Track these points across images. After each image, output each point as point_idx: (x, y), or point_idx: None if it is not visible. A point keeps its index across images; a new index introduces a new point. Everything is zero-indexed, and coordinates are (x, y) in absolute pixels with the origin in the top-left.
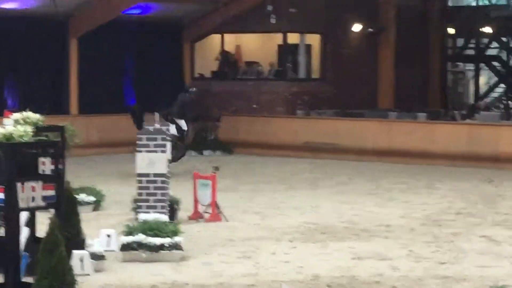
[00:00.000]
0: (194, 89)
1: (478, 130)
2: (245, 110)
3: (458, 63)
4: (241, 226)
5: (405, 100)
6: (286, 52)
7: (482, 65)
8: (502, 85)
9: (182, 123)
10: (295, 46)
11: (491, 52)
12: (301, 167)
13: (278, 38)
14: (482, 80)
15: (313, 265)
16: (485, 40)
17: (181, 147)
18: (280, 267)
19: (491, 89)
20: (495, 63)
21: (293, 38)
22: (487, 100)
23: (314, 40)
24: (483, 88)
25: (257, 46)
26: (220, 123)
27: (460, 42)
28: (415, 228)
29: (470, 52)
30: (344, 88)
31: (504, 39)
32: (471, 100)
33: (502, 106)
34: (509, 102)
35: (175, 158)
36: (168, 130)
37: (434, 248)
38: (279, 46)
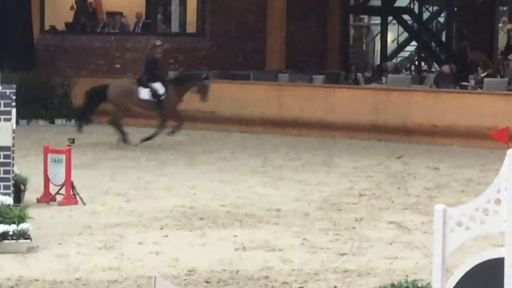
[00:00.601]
0: (159, 42)
1: (386, 97)
2: (107, 70)
3: (362, 16)
4: (102, 210)
5: (299, 59)
6: (156, 0)
7: (390, 18)
8: (414, 43)
9: (157, 86)
10: None
11: (400, 3)
12: (174, 139)
13: None
14: (391, 36)
15: (189, 257)
16: None
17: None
18: (148, 259)
19: (401, 47)
20: (406, 17)
21: None
22: (396, 60)
23: None
24: (391, 46)
25: None
26: (209, 82)
27: None
28: (310, 213)
29: (376, 3)
30: (226, 44)
31: None
32: (378, 60)
33: (413, 67)
34: (422, 62)
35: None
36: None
37: (333, 237)
38: None
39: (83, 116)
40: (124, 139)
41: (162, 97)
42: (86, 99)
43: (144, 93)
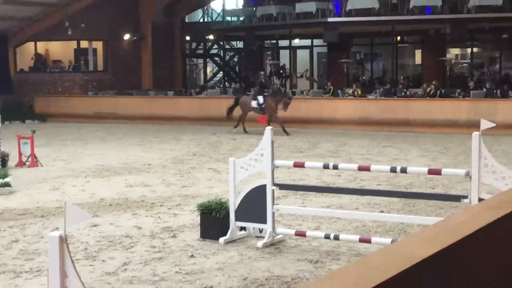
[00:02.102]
0: (262, 73)
1: (207, 101)
2: (54, 92)
3: (193, 59)
4: (52, 169)
5: (160, 83)
6: (80, 53)
7: (208, 60)
8: (221, 73)
9: (260, 98)
10: (86, 49)
11: (213, 51)
12: (93, 129)
13: (74, 44)
14: (208, 69)
15: (101, 192)
16: (210, 43)
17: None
18: (79, 194)
19: (214, 75)
20: (216, 59)
21: (84, 43)
22: (212, 82)
23: (98, 45)
24: (209, 75)
25: (60, 49)
26: (290, 102)
27: (194, 45)
28: (167, 165)
29: (200, 51)
30: (119, 77)
31: (221, 42)
32: (202, 82)
33: (221, 86)
34: (226, 83)
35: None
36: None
37: (179, 177)
38: (75, 49)
39: (229, 111)
40: (237, 126)
41: (263, 105)
42: (233, 102)
43: (254, 103)
